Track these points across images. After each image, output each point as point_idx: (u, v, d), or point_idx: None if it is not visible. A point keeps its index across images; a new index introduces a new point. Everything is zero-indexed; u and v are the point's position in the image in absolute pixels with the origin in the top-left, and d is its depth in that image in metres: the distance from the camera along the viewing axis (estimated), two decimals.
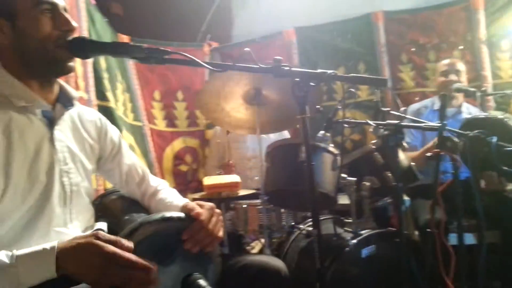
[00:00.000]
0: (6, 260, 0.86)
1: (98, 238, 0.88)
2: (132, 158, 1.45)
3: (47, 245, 0.89)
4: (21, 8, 1.06)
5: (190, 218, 1.14)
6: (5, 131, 1.04)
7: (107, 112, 2.60)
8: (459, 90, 2.65)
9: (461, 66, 2.82)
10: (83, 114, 1.31)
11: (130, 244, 0.90)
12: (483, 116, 1.86)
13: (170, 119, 3.58)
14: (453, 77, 2.76)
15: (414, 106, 2.97)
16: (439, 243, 1.66)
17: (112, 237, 0.89)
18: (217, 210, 1.21)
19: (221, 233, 1.19)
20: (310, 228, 2.11)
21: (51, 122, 1.15)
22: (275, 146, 2.06)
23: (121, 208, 1.39)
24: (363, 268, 1.84)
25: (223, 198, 2.40)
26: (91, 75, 2.50)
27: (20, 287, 0.86)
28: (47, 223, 1.09)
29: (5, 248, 0.92)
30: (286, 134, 3.27)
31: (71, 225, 1.15)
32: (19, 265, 0.86)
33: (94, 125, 1.34)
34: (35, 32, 1.07)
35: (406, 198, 2.66)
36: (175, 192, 1.45)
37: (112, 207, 1.39)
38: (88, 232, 1.19)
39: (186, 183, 3.59)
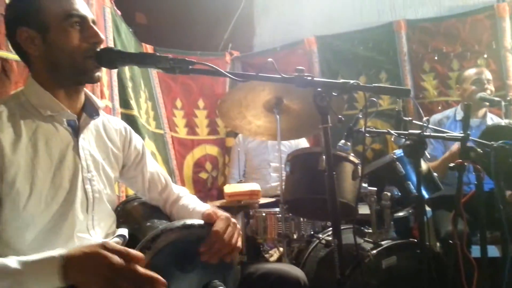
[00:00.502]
0: (16, 266, 0.86)
1: (105, 248, 0.88)
2: (154, 166, 1.48)
3: (55, 253, 0.89)
4: (52, 21, 1.10)
5: (210, 226, 1.15)
6: (31, 138, 1.08)
7: (130, 120, 2.67)
8: (483, 99, 2.61)
9: (489, 74, 2.77)
10: (108, 123, 1.35)
11: (140, 254, 0.89)
12: (504, 124, 1.82)
13: (191, 127, 3.63)
14: (486, 86, 2.71)
15: (436, 117, 2.93)
16: (462, 255, 1.63)
17: (121, 248, 0.89)
18: (233, 220, 1.21)
19: (239, 243, 1.18)
20: (329, 238, 2.10)
21: (76, 131, 1.19)
22: (295, 155, 2.06)
23: (142, 214, 1.41)
24: (383, 279, 1.81)
25: (242, 206, 2.42)
26: (115, 83, 2.56)
27: None
28: (71, 229, 1.12)
29: (34, 252, 0.94)
30: (304, 142, 3.27)
31: (93, 231, 1.18)
32: (26, 272, 0.86)
33: (119, 134, 1.37)
34: (65, 44, 1.11)
35: (428, 208, 2.63)
36: (196, 198, 1.47)
37: (133, 213, 1.42)
38: (112, 241, 1.22)
39: (206, 190, 3.63)
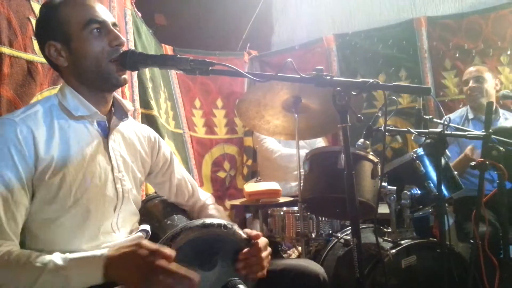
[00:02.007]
0: (60, 262, 0.94)
1: (141, 247, 0.95)
2: (182, 173, 1.53)
3: (98, 252, 0.97)
4: (73, 31, 1.15)
5: (237, 232, 1.15)
6: (63, 137, 1.13)
7: (150, 120, 2.71)
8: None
9: (487, 74, 2.77)
10: (137, 129, 1.40)
11: (171, 252, 0.95)
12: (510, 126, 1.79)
13: (210, 126, 3.65)
14: (474, 84, 2.74)
15: (450, 116, 2.90)
16: (483, 255, 1.61)
17: (154, 246, 0.95)
18: (269, 248, 1.24)
19: (265, 271, 1.19)
20: (348, 237, 2.09)
21: (105, 132, 1.23)
22: (314, 153, 2.06)
23: (162, 212, 1.44)
24: (403, 279, 1.80)
25: (261, 205, 2.43)
26: (136, 84, 2.60)
27: None
28: (97, 227, 1.16)
29: (60, 245, 1.02)
30: (320, 141, 3.25)
31: (118, 230, 1.22)
32: (70, 269, 0.94)
33: (147, 140, 1.42)
34: (88, 52, 1.15)
35: (448, 208, 2.60)
36: (222, 210, 1.53)
37: (154, 211, 1.45)
38: (135, 235, 1.25)
39: (224, 189, 3.65)
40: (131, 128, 1.37)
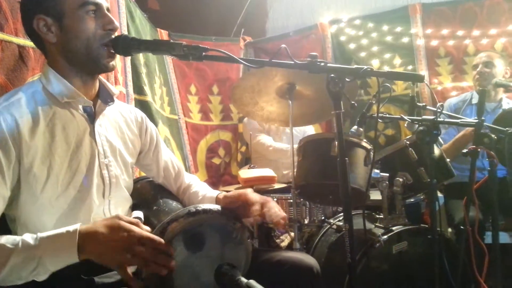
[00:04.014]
0: (31, 242, 0.92)
1: (120, 218, 0.95)
2: (168, 154, 1.52)
3: (70, 228, 0.94)
4: (68, 9, 1.12)
5: (226, 211, 1.17)
6: (48, 124, 1.11)
7: (144, 106, 2.69)
8: (498, 84, 2.58)
9: (497, 60, 2.75)
10: (123, 110, 1.38)
11: (147, 227, 0.96)
12: None
13: (205, 113, 3.64)
14: (483, 69, 2.72)
15: (451, 101, 2.92)
16: (473, 241, 1.64)
17: (133, 219, 0.96)
18: (267, 198, 1.29)
19: (283, 213, 1.27)
20: (340, 223, 2.11)
21: (91, 117, 1.21)
22: (307, 140, 2.07)
23: (150, 194, 1.44)
24: (394, 264, 1.83)
25: (254, 191, 2.43)
26: (129, 69, 2.57)
27: (44, 273, 0.92)
28: (87, 214, 1.15)
29: None
30: (310, 129, 3.26)
31: (110, 215, 1.20)
32: (42, 248, 0.91)
33: (135, 121, 1.40)
34: (81, 32, 1.13)
35: (440, 194, 2.63)
36: (206, 185, 1.53)
37: (143, 193, 1.44)
38: None
39: (219, 176, 3.66)
40: (117, 110, 1.35)
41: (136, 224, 0.95)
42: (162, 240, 0.94)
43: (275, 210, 1.26)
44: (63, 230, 0.94)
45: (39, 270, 0.91)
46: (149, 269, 0.93)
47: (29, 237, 0.92)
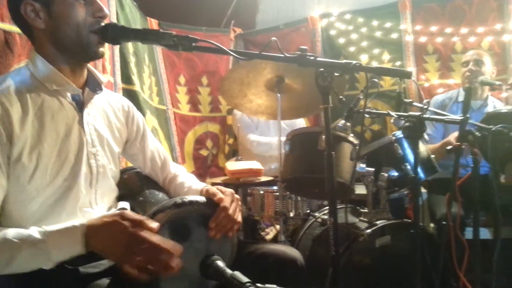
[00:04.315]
0: (38, 236, 0.92)
1: (123, 218, 0.93)
2: (155, 144, 1.51)
3: (77, 222, 0.95)
4: None
5: (211, 202, 1.18)
6: (37, 113, 1.09)
7: (132, 95, 2.67)
8: (484, 83, 2.62)
9: (485, 57, 2.77)
10: (110, 99, 1.37)
11: (154, 225, 0.94)
12: (506, 110, 1.83)
13: (194, 104, 3.62)
14: (473, 67, 2.73)
15: (438, 98, 2.95)
16: (454, 236, 1.67)
17: (137, 217, 0.94)
18: (237, 196, 1.27)
19: (240, 218, 1.24)
20: (325, 216, 2.14)
21: (80, 105, 1.20)
22: (294, 134, 2.08)
23: (135, 185, 1.43)
24: (377, 258, 1.86)
25: (241, 183, 2.45)
26: (117, 58, 2.55)
27: (51, 263, 0.92)
28: (74, 203, 1.15)
29: (36, 224, 0.99)
30: (301, 122, 3.27)
31: (96, 205, 1.21)
32: (49, 241, 0.92)
33: (122, 109, 1.39)
34: (70, 18, 1.11)
35: (423, 190, 2.67)
36: (193, 176, 1.52)
37: (129, 183, 1.43)
38: (114, 210, 1.25)
39: (206, 167, 3.65)
40: (105, 99, 1.33)
41: (140, 223, 0.93)
42: (165, 244, 0.92)
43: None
44: (68, 225, 0.95)
45: (46, 263, 0.92)
46: (149, 270, 0.92)
47: (36, 232, 0.93)
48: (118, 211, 0.98)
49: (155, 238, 0.92)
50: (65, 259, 0.94)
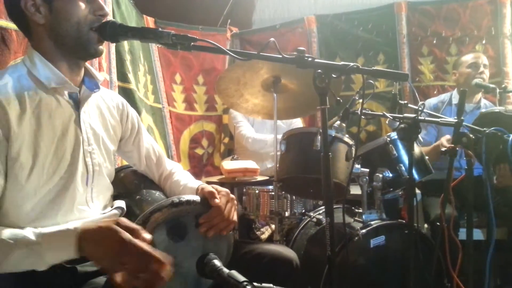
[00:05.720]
0: (32, 237, 0.92)
1: (118, 224, 0.92)
2: (149, 141, 1.51)
3: (71, 225, 0.94)
4: None
5: (206, 201, 1.18)
6: (34, 111, 1.08)
7: (127, 93, 2.66)
8: (479, 86, 2.64)
9: (485, 60, 2.80)
10: (106, 96, 1.36)
11: (148, 236, 0.93)
12: (498, 110, 1.85)
13: (189, 103, 3.62)
14: (481, 69, 2.74)
15: (431, 101, 2.96)
16: (448, 237, 1.69)
17: (133, 225, 0.93)
18: (232, 196, 1.27)
19: (235, 218, 1.24)
20: (320, 216, 2.14)
21: (77, 104, 1.19)
22: (290, 134, 2.09)
23: (132, 184, 1.43)
24: (371, 258, 1.87)
25: (236, 183, 2.45)
26: (113, 56, 2.54)
27: (43, 265, 0.92)
28: (71, 201, 1.14)
29: (33, 223, 0.99)
30: (297, 121, 3.28)
31: (92, 204, 1.21)
32: (43, 244, 0.92)
33: (116, 107, 1.39)
34: (72, 14, 1.10)
35: (417, 191, 2.69)
36: (188, 174, 1.51)
37: (125, 182, 1.43)
38: (110, 209, 1.25)
39: (201, 166, 3.65)
40: (100, 97, 1.33)
41: (134, 231, 0.92)
42: (157, 254, 0.90)
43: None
44: (63, 227, 0.95)
45: (39, 264, 0.92)
46: (139, 281, 0.90)
47: (30, 233, 0.93)
48: (114, 216, 0.97)
49: (147, 247, 0.90)
50: (59, 262, 0.94)
